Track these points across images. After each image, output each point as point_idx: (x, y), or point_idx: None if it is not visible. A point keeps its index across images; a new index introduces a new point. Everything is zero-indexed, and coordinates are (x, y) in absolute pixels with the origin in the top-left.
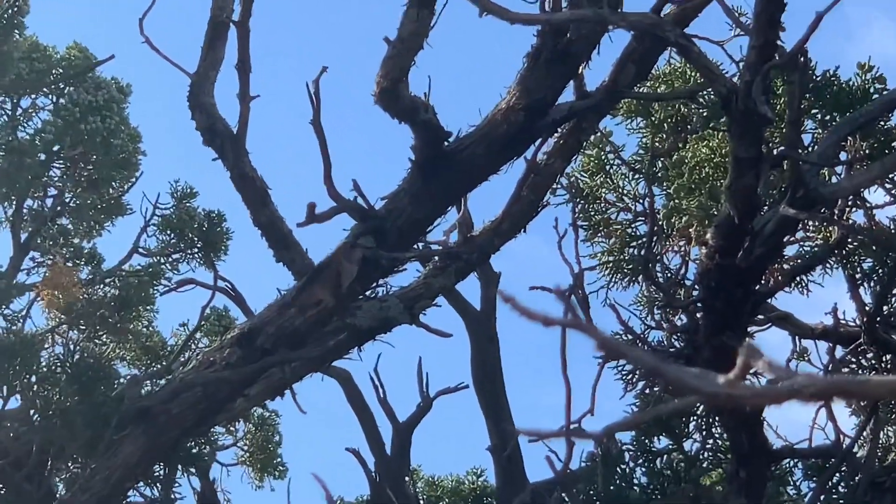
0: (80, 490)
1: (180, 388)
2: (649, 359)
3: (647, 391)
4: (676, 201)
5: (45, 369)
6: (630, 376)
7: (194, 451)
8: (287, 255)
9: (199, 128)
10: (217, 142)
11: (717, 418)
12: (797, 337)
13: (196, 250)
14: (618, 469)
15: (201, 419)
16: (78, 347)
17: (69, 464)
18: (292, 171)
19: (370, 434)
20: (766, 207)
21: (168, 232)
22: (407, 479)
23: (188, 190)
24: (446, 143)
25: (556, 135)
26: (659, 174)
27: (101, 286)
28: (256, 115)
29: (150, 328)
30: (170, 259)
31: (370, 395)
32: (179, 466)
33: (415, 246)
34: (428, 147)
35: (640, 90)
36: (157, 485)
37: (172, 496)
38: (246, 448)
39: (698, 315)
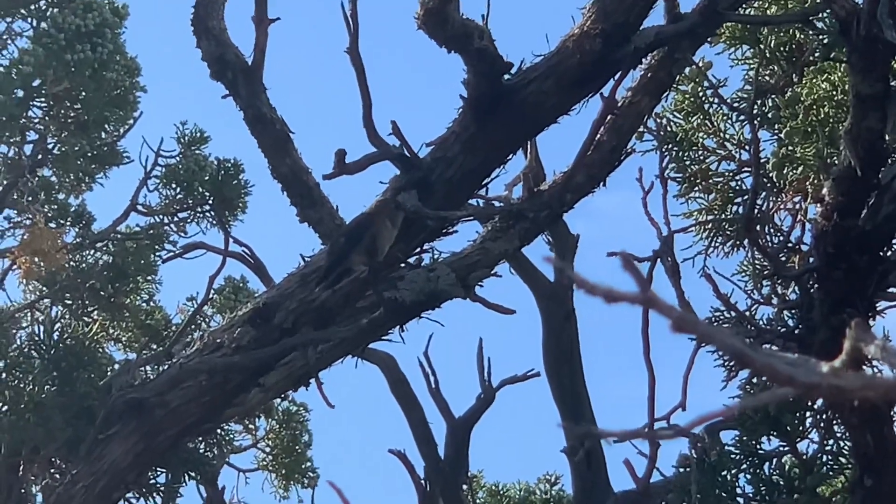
0: (58, 500)
1: (181, 376)
2: (735, 343)
3: (755, 381)
4: (789, 148)
5: (16, 353)
6: (732, 362)
7: (198, 453)
8: (313, 214)
9: (207, 58)
10: (227, 75)
11: (837, 415)
12: None
13: (207, 208)
14: (717, 477)
15: (206, 414)
16: (58, 326)
17: (46, 468)
18: (320, 111)
19: (419, 432)
20: (894, 156)
21: (173, 185)
22: (464, 486)
23: (197, 134)
24: (506, 78)
25: (641, 66)
26: (769, 115)
27: (92, 252)
28: (275, 43)
29: (151, 303)
30: (175, 219)
31: (419, 385)
32: (182, 472)
33: (468, 202)
34: (483, 82)
35: (746, 12)
36: (154, 495)
37: None
38: (268, 450)
39: (813, 288)
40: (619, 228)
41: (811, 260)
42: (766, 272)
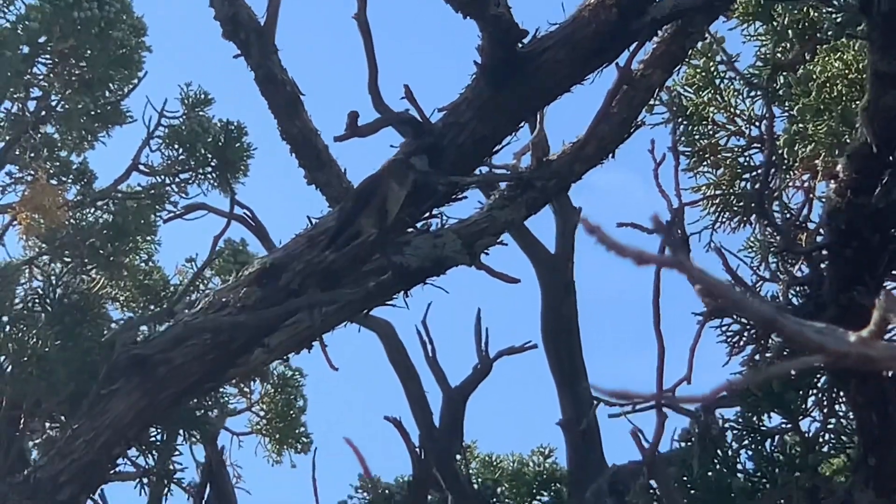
0: (58, 455)
1: (185, 333)
2: (765, 309)
3: (758, 357)
4: (801, 125)
5: (20, 307)
6: (736, 338)
7: (199, 412)
8: (321, 177)
9: (219, 17)
10: (240, 35)
11: (842, 393)
12: None
13: (209, 169)
14: (718, 451)
15: (209, 373)
16: (62, 281)
17: (46, 423)
18: (331, 74)
19: (415, 401)
20: None
21: (176, 146)
22: (458, 457)
23: (202, 95)
24: (521, 45)
25: (654, 40)
26: (780, 91)
27: (92, 210)
28: (289, 5)
29: (151, 263)
30: (177, 179)
31: (416, 353)
32: (181, 431)
33: (478, 169)
34: (498, 49)
35: None
36: (152, 452)
37: (171, 466)
38: (262, 414)
39: (823, 265)
40: (623, 204)
41: (821, 237)
42: (774, 248)
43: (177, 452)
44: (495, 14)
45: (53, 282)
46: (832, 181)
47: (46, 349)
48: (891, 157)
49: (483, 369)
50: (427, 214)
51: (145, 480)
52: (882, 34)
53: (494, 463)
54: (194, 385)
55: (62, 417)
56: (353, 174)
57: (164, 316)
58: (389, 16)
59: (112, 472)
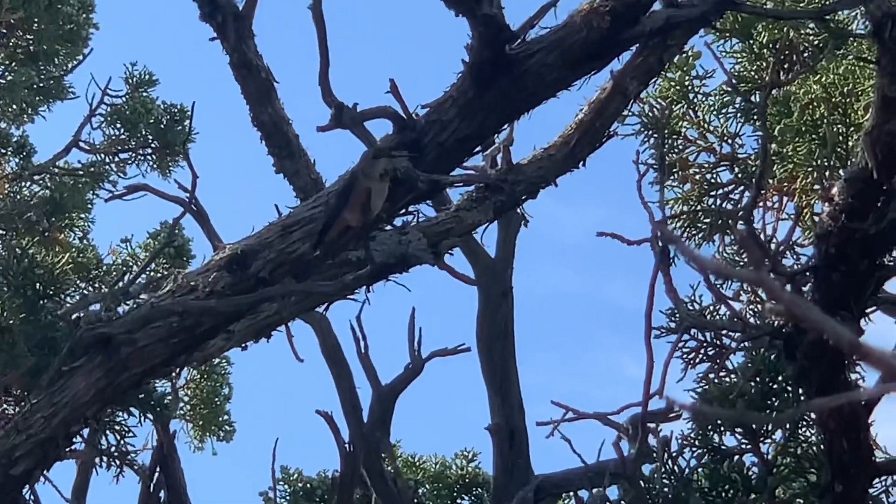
0: (14, 429)
1: (152, 315)
2: (846, 332)
3: (711, 374)
4: (777, 145)
5: None
6: (692, 354)
7: (157, 394)
8: (290, 166)
9: None
10: (217, 18)
11: (811, 417)
12: None
13: (150, 151)
14: (675, 467)
15: (171, 357)
16: (27, 254)
17: (3, 396)
18: (307, 64)
19: (346, 397)
20: None
21: (117, 125)
22: (383, 455)
23: (146, 76)
24: (510, 48)
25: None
26: (753, 111)
27: (29, 183)
28: None
29: (86, 240)
30: (116, 159)
31: (350, 349)
32: (136, 412)
33: (455, 169)
34: (487, 49)
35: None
36: (108, 431)
37: (124, 448)
38: (187, 399)
39: (806, 287)
40: (551, 224)
41: (805, 259)
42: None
43: (130, 434)
44: (487, 13)
45: (18, 254)
46: (826, 204)
47: (11, 322)
48: (888, 184)
49: (414, 369)
50: (403, 211)
51: (100, 460)
52: (893, 60)
53: (417, 463)
54: (156, 367)
55: (19, 391)
56: (322, 165)
57: (119, 295)
58: (377, 10)
59: (67, 449)
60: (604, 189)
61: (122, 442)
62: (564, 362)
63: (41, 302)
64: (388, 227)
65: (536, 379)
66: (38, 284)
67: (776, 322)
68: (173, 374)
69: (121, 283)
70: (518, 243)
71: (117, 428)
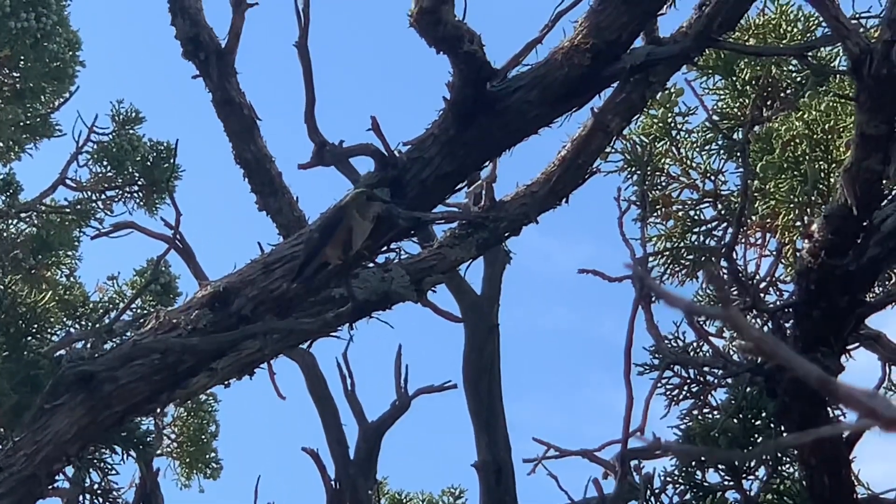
0: None
1: (134, 353)
2: (816, 370)
3: (695, 411)
4: (760, 182)
5: None
6: (676, 391)
7: (140, 432)
8: (273, 203)
9: (180, 37)
10: (200, 56)
11: (793, 453)
12: (888, 364)
13: (136, 188)
14: (657, 500)
15: (154, 394)
16: (10, 290)
17: None
18: (291, 101)
19: (332, 434)
20: (887, 200)
21: (104, 163)
22: (370, 492)
23: (133, 113)
24: (491, 85)
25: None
26: (735, 148)
27: (16, 221)
28: (251, 28)
29: (73, 278)
30: (103, 196)
31: (336, 386)
32: (119, 450)
33: (436, 207)
34: (468, 86)
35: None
36: (92, 469)
37: (107, 485)
38: (174, 437)
39: (786, 325)
40: (539, 259)
41: (786, 296)
42: (740, 306)
43: (112, 472)
44: (468, 51)
45: (2, 291)
46: (806, 240)
47: None
48: (867, 221)
49: (401, 406)
50: (385, 248)
51: (84, 497)
52: (871, 97)
53: (404, 500)
54: (139, 405)
55: (2, 429)
56: (304, 203)
57: (104, 333)
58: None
59: (50, 487)
60: (594, 224)
61: (105, 479)
62: (556, 398)
63: (24, 339)
64: (371, 265)
65: (527, 416)
66: (21, 322)
67: (757, 359)
68: (156, 411)
69: (105, 321)
70: (507, 279)
71: (101, 465)
